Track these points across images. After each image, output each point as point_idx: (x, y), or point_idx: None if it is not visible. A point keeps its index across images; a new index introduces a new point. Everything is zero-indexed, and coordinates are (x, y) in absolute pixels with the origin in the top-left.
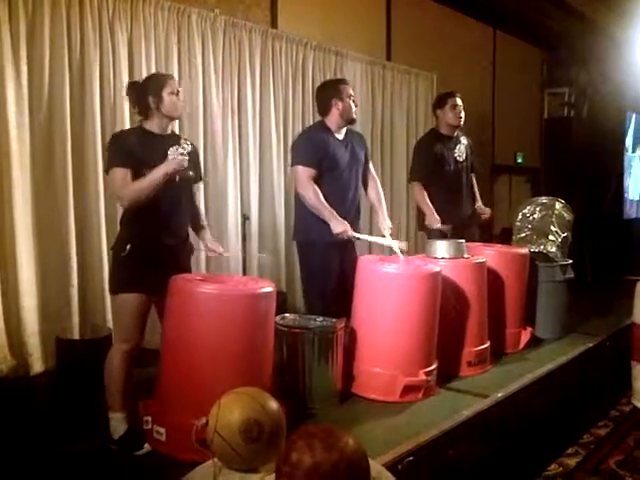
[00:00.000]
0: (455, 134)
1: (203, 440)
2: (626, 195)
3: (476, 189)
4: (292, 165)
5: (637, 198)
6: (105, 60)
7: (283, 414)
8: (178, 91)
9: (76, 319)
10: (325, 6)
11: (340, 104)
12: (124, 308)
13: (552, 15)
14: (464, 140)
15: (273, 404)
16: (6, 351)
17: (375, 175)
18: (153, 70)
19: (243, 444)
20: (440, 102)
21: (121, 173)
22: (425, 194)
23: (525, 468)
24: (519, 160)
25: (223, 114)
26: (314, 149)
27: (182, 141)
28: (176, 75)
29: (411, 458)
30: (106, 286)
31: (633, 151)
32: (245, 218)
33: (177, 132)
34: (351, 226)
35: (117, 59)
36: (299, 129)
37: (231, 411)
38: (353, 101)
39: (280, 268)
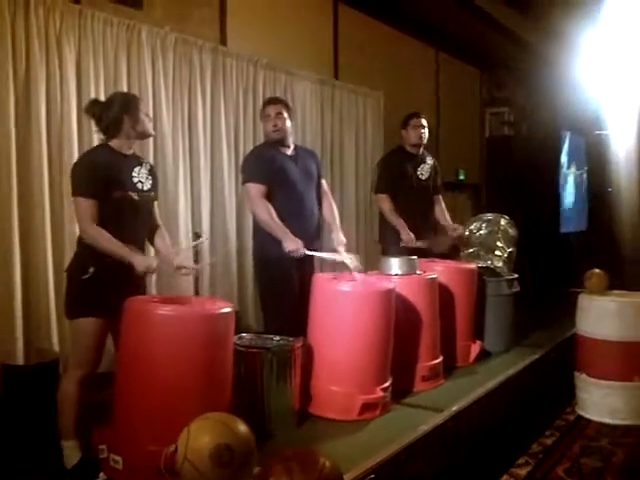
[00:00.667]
0: (420, 153)
1: (172, 468)
2: (562, 210)
3: (444, 208)
4: (243, 184)
5: (572, 213)
6: (52, 76)
7: (254, 438)
8: (147, 112)
9: (20, 343)
10: (273, 25)
11: (263, 126)
12: (84, 333)
13: (490, 38)
14: (429, 160)
15: (244, 428)
16: None
17: (328, 191)
18: (102, 88)
19: (214, 470)
20: (404, 122)
21: (86, 204)
22: (393, 210)
23: None
24: (461, 177)
25: (174, 131)
26: (262, 165)
27: (141, 160)
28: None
29: (373, 476)
30: (52, 308)
31: (568, 168)
32: (197, 236)
33: None
34: (312, 241)
35: (64, 75)
36: (250, 146)
37: (201, 436)
38: (271, 120)
39: (232, 286)
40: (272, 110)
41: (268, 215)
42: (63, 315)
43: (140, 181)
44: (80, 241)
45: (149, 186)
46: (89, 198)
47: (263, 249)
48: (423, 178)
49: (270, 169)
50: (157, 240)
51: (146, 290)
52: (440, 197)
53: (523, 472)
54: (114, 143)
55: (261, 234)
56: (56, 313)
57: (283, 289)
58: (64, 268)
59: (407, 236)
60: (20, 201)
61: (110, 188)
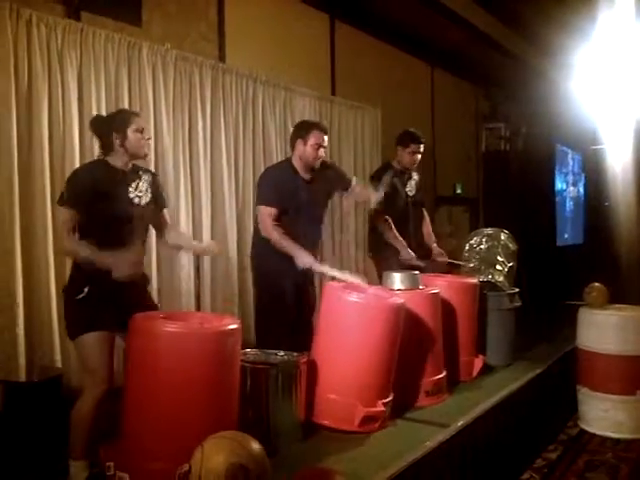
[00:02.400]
0: (407, 169)
1: None
2: (558, 223)
3: (428, 222)
4: (256, 205)
5: (569, 227)
6: (54, 92)
7: (267, 457)
8: (143, 129)
9: (22, 360)
10: (271, 42)
11: (301, 147)
12: (89, 350)
13: (485, 54)
14: (415, 176)
15: (257, 447)
16: None
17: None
18: (103, 103)
19: None
20: (403, 143)
21: (66, 214)
22: (391, 227)
23: None
24: (458, 191)
25: (174, 148)
26: (276, 189)
27: (142, 173)
28: (127, 108)
29: None
30: (55, 324)
31: (564, 182)
32: None
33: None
34: (302, 281)
35: (66, 92)
36: (250, 162)
37: (215, 456)
38: (319, 149)
39: (234, 301)
40: (323, 139)
41: (280, 237)
42: (66, 331)
43: (137, 196)
44: (74, 263)
45: (147, 199)
46: (71, 209)
47: (262, 265)
48: (411, 194)
49: (283, 195)
50: (171, 235)
51: (148, 298)
52: (425, 212)
53: None
54: (110, 159)
55: (260, 249)
56: (59, 330)
57: (278, 305)
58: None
59: (408, 255)
60: (22, 219)
61: (103, 203)
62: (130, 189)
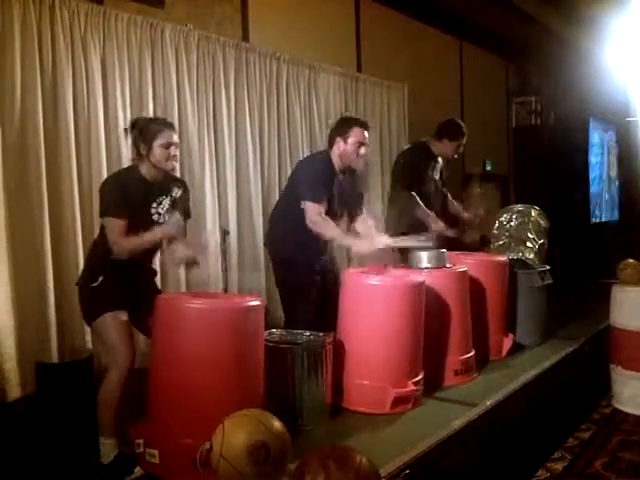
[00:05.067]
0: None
1: (208, 465)
2: (592, 200)
3: (453, 203)
4: (301, 199)
5: (603, 203)
6: (78, 76)
7: (288, 434)
8: (170, 144)
9: (54, 341)
10: (295, 19)
11: (342, 145)
12: (108, 328)
13: (516, 27)
14: (440, 159)
15: (278, 424)
16: None
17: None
18: (127, 87)
19: (250, 467)
20: (450, 133)
21: (117, 224)
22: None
23: (514, 475)
24: (488, 168)
25: (199, 129)
26: (322, 186)
27: (172, 186)
28: (150, 91)
29: (408, 471)
30: None
31: (597, 156)
32: (225, 233)
33: None
34: (325, 267)
35: (90, 75)
36: (275, 142)
37: (236, 434)
38: (360, 147)
39: (261, 283)
40: (364, 137)
41: (333, 230)
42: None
43: (158, 213)
44: (88, 257)
45: (167, 217)
46: (119, 218)
47: (282, 251)
48: (436, 177)
49: (327, 192)
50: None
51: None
52: (447, 192)
53: (559, 467)
54: (142, 167)
55: (281, 235)
56: None
57: (301, 290)
58: None
59: (438, 225)
60: (50, 200)
61: (132, 215)
62: (153, 205)
